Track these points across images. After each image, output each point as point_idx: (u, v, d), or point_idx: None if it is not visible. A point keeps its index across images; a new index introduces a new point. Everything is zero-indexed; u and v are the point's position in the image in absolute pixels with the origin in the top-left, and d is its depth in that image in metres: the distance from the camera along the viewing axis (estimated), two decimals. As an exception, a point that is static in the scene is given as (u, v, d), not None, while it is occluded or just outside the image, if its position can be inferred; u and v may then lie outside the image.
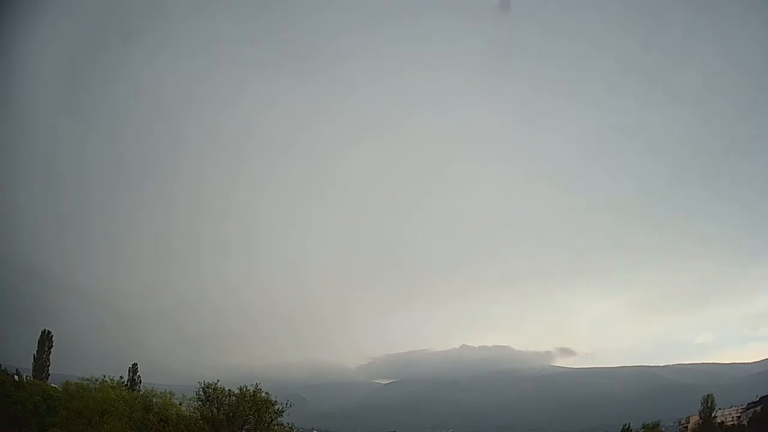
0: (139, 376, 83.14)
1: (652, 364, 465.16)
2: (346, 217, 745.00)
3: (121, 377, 68.86)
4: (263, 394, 51.51)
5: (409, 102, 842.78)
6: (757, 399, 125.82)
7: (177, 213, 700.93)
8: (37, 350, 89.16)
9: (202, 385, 51.17)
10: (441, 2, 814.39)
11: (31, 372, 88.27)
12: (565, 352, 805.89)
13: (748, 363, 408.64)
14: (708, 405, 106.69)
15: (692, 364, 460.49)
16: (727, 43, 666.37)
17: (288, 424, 54.62)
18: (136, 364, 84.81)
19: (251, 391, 51.09)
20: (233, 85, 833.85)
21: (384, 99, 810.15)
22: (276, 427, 52.64)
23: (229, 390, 51.31)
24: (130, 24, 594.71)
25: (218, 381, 51.72)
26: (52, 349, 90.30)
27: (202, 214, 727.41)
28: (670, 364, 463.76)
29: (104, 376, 52.41)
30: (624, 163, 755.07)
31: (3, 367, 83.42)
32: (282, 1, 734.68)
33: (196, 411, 51.76)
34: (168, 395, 53.56)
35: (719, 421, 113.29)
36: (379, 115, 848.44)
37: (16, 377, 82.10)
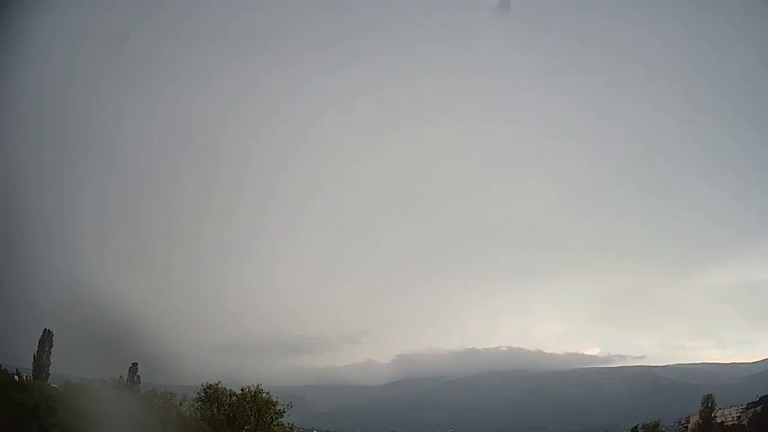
0: (138, 376, 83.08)
1: (652, 364, 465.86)
2: (346, 218, 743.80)
3: (121, 377, 68.97)
4: (264, 395, 51.54)
5: (411, 103, 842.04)
6: (757, 399, 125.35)
7: (180, 212, 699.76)
8: (38, 350, 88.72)
9: (204, 386, 51.25)
10: (440, 2, 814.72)
11: (32, 372, 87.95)
12: (565, 352, 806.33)
13: (748, 363, 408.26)
14: (708, 405, 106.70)
15: (692, 364, 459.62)
16: (730, 42, 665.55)
17: (288, 424, 54.68)
18: (136, 364, 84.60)
19: (252, 391, 51.13)
20: (237, 86, 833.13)
21: (385, 101, 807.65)
22: (276, 427, 52.68)
23: (230, 390, 51.35)
24: (131, 24, 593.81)
25: (219, 381, 51.81)
26: (53, 349, 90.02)
27: (205, 216, 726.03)
28: (670, 364, 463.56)
29: (104, 376, 52.43)
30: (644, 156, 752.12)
31: (3, 367, 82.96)
32: (284, 1, 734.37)
33: (196, 411, 51.82)
34: (168, 396, 53.62)
35: (719, 421, 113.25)
36: (382, 116, 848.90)
37: (16, 377, 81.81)
